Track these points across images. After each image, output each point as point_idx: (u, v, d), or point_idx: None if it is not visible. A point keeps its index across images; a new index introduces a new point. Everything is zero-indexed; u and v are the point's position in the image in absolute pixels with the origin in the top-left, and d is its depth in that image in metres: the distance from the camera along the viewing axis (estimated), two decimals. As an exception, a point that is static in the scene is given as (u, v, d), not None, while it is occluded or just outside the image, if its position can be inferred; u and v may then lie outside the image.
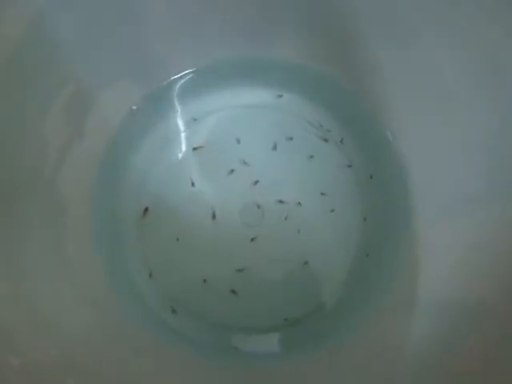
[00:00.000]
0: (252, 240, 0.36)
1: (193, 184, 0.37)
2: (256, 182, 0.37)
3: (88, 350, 0.27)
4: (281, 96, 0.39)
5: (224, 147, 0.38)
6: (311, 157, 0.38)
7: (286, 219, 0.36)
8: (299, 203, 0.36)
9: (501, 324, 0.26)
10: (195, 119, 0.38)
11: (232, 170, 0.37)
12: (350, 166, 0.37)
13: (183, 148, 0.38)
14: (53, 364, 0.25)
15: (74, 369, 0.26)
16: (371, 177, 0.37)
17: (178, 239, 0.36)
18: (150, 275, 0.35)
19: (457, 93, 0.31)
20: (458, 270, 0.29)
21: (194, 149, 0.38)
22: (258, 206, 0.37)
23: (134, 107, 0.37)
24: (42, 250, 0.30)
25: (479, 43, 0.29)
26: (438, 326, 0.28)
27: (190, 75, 0.38)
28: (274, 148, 0.38)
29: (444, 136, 0.32)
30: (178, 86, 0.38)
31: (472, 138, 0.30)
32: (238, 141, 0.38)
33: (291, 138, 0.38)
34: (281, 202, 0.36)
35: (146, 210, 0.36)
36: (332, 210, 0.36)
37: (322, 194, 0.37)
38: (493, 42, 0.29)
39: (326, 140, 0.38)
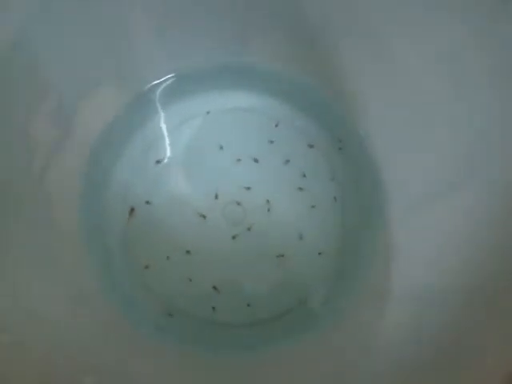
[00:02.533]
0: (233, 238, 0.37)
1: (177, 187, 0.38)
2: (240, 182, 0.38)
3: (86, 350, 0.28)
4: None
5: (207, 150, 0.39)
6: (290, 160, 0.39)
7: (267, 216, 0.37)
8: (280, 202, 0.37)
9: (476, 312, 0.26)
10: (179, 123, 0.40)
11: (215, 172, 0.38)
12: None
13: (167, 152, 0.39)
14: (52, 365, 0.26)
15: (72, 369, 0.26)
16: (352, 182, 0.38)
17: (164, 240, 0.37)
18: (140, 275, 0.36)
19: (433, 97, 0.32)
20: (433, 259, 0.30)
21: (175, 155, 0.39)
22: (239, 204, 0.38)
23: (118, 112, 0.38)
24: (31, 256, 0.30)
25: (447, 47, 0.30)
26: (413, 315, 0.28)
27: (172, 80, 0.39)
28: (257, 150, 0.39)
29: (419, 137, 0.33)
30: (160, 90, 0.39)
31: (443, 132, 0.31)
32: (221, 145, 0.39)
33: (272, 142, 0.39)
34: (263, 201, 0.37)
35: (132, 210, 0.37)
36: (312, 206, 0.37)
37: (301, 189, 0.38)
38: (458, 44, 0.30)
39: (310, 146, 0.39)
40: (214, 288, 0.35)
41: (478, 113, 0.28)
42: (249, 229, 0.37)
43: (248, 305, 0.35)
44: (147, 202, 0.38)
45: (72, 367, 0.27)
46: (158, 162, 0.39)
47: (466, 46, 0.29)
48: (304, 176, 0.38)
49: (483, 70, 0.28)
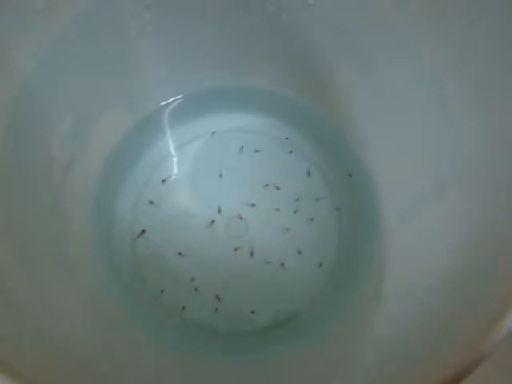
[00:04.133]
0: (235, 250, 0.38)
1: (182, 204, 0.40)
2: (242, 199, 0.40)
3: (86, 350, 0.28)
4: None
5: (211, 169, 0.41)
6: (291, 177, 0.41)
7: (268, 230, 0.39)
8: (280, 217, 0.39)
9: (472, 311, 0.26)
10: (185, 143, 0.42)
11: (218, 190, 0.40)
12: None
13: (173, 171, 0.41)
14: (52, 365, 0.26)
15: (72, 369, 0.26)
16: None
17: (173, 253, 0.38)
18: (151, 286, 0.38)
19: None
20: (432, 261, 0.30)
21: (180, 174, 0.41)
22: (241, 218, 0.39)
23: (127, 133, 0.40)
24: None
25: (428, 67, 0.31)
26: (412, 316, 0.28)
27: (179, 101, 0.41)
28: (260, 169, 0.41)
29: (415, 140, 0.33)
30: (168, 111, 0.41)
31: (440, 134, 0.31)
32: (225, 165, 0.41)
33: (276, 162, 0.41)
34: (263, 215, 0.39)
35: (143, 231, 0.39)
36: (311, 219, 0.39)
37: (299, 207, 0.39)
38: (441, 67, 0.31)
39: (311, 165, 0.41)
40: (217, 298, 0.37)
41: (476, 112, 0.29)
42: (250, 242, 0.38)
43: (252, 312, 0.36)
44: (155, 220, 0.40)
45: (72, 367, 0.27)
46: (164, 181, 0.41)
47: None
48: (303, 195, 0.40)
49: (482, 71, 0.28)
